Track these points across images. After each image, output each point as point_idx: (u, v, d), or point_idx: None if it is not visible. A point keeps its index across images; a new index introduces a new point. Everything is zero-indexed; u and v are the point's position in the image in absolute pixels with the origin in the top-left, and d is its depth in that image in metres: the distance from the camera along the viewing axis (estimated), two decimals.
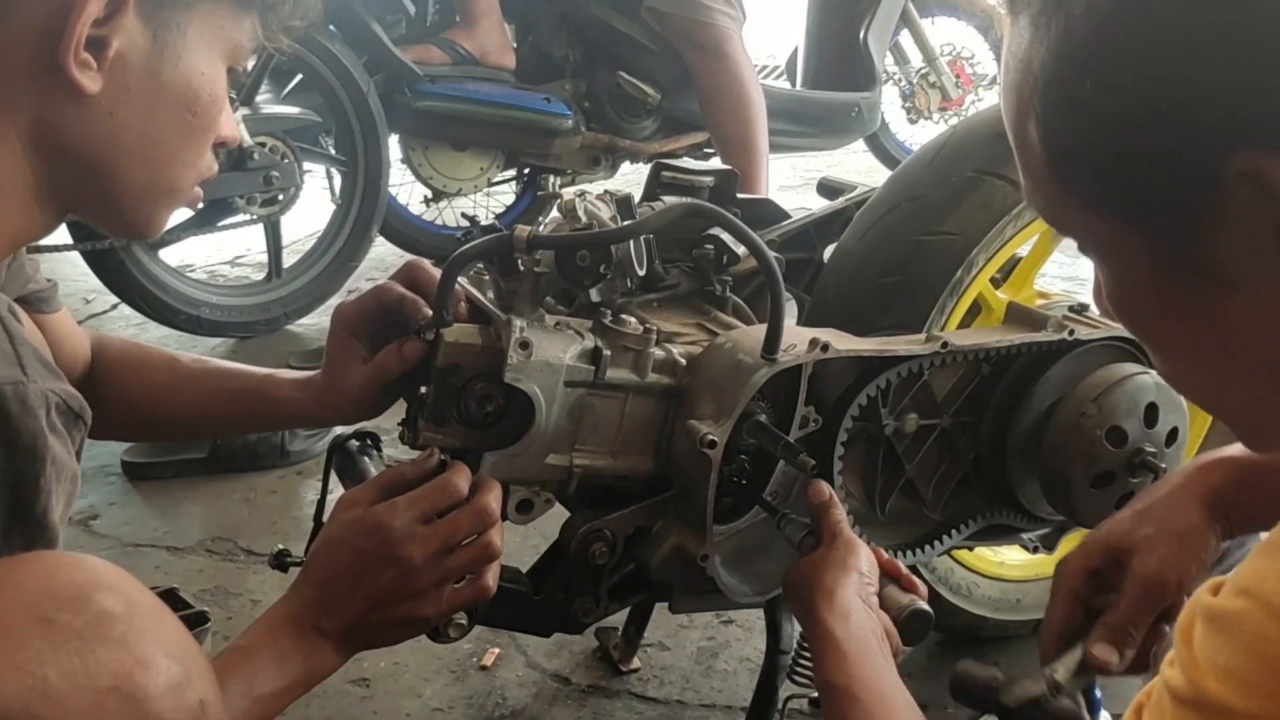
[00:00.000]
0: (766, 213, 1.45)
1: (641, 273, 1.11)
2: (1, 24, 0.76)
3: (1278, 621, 0.53)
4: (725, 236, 1.25)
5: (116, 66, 0.79)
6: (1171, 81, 0.55)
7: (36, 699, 0.63)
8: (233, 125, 0.89)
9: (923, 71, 3.92)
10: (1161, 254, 0.60)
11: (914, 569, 1.34)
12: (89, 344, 1.15)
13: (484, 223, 1.14)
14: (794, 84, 3.62)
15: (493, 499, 1.00)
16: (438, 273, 1.06)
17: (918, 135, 4.04)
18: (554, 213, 1.16)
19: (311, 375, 1.16)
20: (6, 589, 0.66)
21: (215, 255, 3.33)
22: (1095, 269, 0.69)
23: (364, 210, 2.78)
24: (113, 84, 0.79)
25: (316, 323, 2.77)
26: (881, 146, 4.00)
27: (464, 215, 1.19)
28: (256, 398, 1.15)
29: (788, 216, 1.46)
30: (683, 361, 1.12)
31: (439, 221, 3.23)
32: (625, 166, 3.18)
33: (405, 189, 3.18)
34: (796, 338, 1.11)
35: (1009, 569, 1.53)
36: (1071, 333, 1.21)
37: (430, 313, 1.07)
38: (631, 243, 1.08)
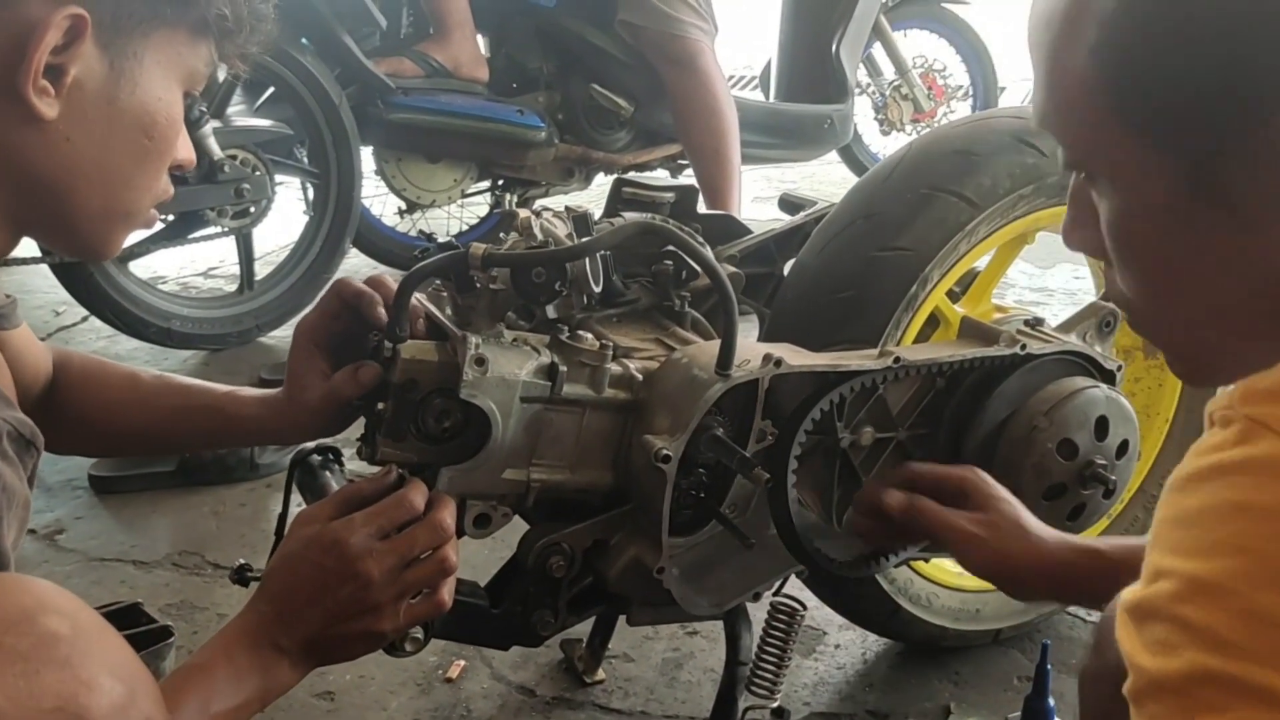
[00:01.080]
0: (727, 228, 1.47)
1: (597, 289, 1.12)
2: None
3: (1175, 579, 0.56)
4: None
5: (74, 93, 0.80)
6: (1253, 21, 0.58)
7: None
8: (189, 149, 0.91)
9: (895, 84, 3.96)
10: (1188, 183, 0.62)
11: (873, 580, 1.37)
12: (50, 360, 1.16)
13: (442, 239, 1.15)
14: (768, 96, 3.65)
15: (448, 514, 1.01)
16: None
17: (890, 147, 4.06)
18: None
19: (274, 392, 1.17)
20: None
21: (189, 267, 3.33)
22: (1079, 203, 0.70)
23: (337, 222, 2.79)
24: (70, 110, 0.80)
25: (289, 335, 2.75)
26: (855, 158, 4.03)
27: (421, 232, 1.21)
28: (216, 415, 1.15)
29: (749, 232, 1.47)
30: (639, 377, 1.14)
31: (413, 233, 3.23)
32: (599, 178, 3.19)
33: (379, 200, 3.18)
34: (752, 353, 1.12)
35: (968, 579, 1.55)
36: (1023, 347, 1.23)
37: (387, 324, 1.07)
38: (586, 260, 1.09)
